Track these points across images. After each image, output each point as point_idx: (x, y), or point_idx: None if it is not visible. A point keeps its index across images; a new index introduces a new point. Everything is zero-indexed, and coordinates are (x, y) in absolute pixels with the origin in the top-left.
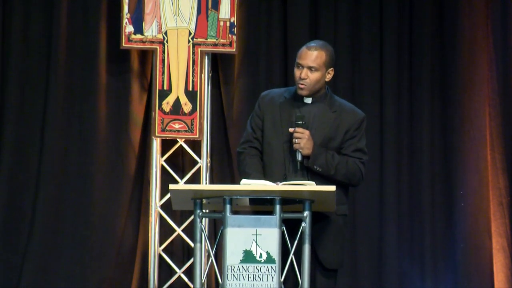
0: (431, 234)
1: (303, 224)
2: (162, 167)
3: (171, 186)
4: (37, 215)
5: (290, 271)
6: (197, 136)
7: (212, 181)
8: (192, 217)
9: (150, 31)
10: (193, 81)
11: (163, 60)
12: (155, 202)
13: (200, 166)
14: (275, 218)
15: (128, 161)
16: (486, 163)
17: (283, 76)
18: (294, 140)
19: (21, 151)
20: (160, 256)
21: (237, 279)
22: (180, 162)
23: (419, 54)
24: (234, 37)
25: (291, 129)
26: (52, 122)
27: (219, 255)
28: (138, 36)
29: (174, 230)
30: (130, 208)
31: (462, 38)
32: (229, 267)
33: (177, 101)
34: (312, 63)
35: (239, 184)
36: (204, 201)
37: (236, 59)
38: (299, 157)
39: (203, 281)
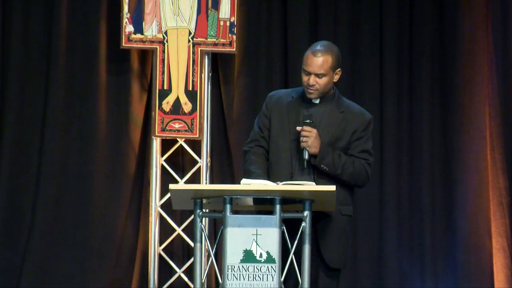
0: (431, 234)
1: (303, 224)
2: (162, 167)
3: (171, 186)
4: (37, 215)
5: (291, 271)
6: (197, 135)
7: (212, 181)
8: (192, 217)
9: (150, 30)
10: (193, 81)
11: (163, 60)
12: (155, 202)
13: (200, 166)
14: (275, 218)
15: (128, 161)
16: (486, 163)
17: (283, 76)
18: (301, 138)
19: (21, 151)
20: (160, 256)
21: (237, 279)
22: (180, 162)
23: (419, 54)
24: (234, 36)
25: (298, 128)
26: (52, 122)
27: (219, 255)
28: (138, 35)
29: (174, 230)
30: (130, 208)
31: (462, 38)
32: (229, 267)
33: (177, 101)
34: (319, 70)
35: (239, 183)
36: (204, 200)
37: (236, 59)
38: (306, 156)
39: (203, 281)
